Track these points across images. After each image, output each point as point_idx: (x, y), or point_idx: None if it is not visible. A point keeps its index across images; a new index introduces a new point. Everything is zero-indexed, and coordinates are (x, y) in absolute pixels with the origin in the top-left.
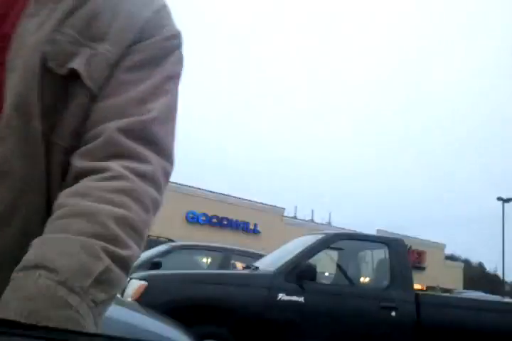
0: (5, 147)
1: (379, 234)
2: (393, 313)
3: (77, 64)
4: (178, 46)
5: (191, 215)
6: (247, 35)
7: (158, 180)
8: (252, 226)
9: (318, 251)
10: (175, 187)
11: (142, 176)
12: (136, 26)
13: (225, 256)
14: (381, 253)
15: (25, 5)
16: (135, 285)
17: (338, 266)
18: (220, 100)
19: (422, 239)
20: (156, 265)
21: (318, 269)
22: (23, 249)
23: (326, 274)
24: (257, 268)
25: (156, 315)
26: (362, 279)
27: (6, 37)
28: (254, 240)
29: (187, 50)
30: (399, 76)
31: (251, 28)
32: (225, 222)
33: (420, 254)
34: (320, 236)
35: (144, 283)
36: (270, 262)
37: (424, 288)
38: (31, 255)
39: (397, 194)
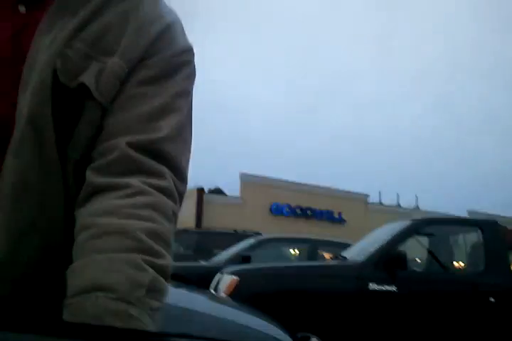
0: (22, 160)
1: (470, 216)
2: (491, 299)
3: (87, 78)
4: (189, 62)
5: (275, 207)
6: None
7: (175, 195)
8: (336, 215)
9: (408, 238)
10: (257, 179)
11: (161, 190)
12: (145, 41)
13: (313, 247)
14: (474, 237)
15: (40, 22)
16: (227, 281)
17: (430, 252)
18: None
19: None
20: (246, 259)
21: (409, 256)
22: (43, 262)
23: (418, 261)
24: (345, 258)
25: (252, 310)
26: (455, 265)
27: (23, 54)
28: (339, 229)
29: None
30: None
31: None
32: (309, 212)
33: None
34: (408, 222)
35: (235, 277)
36: (358, 251)
37: None
38: (80, 280)
39: (488, 171)
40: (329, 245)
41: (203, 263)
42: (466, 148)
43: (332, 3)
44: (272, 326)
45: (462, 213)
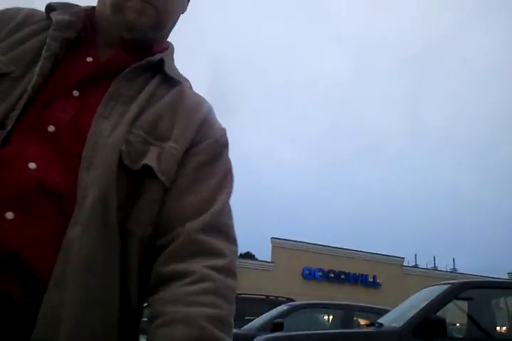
0: (90, 236)
1: (511, 278)
2: None
3: (149, 160)
4: (228, 142)
5: (308, 272)
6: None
7: (234, 269)
8: (371, 279)
9: (447, 303)
10: (289, 244)
11: (221, 270)
12: (194, 127)
13: (347, 313)
14: None
15: (97, 108)
16: None
17: (470, 318)
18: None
19: None
20: (279, 326)
21: (448, 321)
22: (102, 336)
23: (457, 326)
24: (381, 324)
25: None
26: (498, 329)
27: (84, 135)
28: (374, 293)
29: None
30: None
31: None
32: (343, 277)
33: None
34: (446, 287)
35: None
36: (395, 317)
37: None
38: None
39: None
40: (365, 311)
41: (235, 330)
42: (502, 207)
43: (363, 67)
44: None
45: (503, 275)
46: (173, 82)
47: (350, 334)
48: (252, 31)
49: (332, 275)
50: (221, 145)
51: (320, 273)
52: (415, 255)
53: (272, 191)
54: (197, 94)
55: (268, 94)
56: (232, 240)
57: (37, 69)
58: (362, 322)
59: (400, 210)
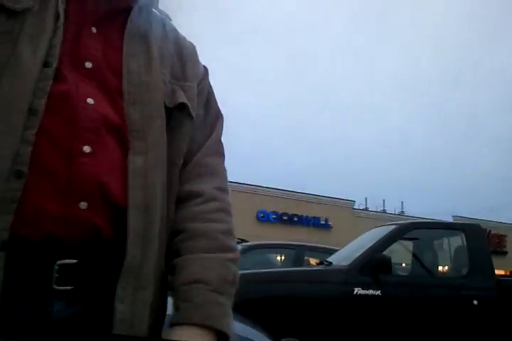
0: (151, 166)
1: (456, 221)
2: (475, 302)
3: (183, 98)
4: (207, 79)
5: (262, 214)
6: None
7: (227, 188)
8: (323, 221)
9: (392, 243)
10: (243, 187)
11: (222, 189)
12: (197, 69)
13: (298, 253)
14: (458, 241)
15: (122, 45)
16: None
17: (414, 256)
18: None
19: (503, 223)
20: None
21: (394, 261)
22: (159, 260)
23: (403, 265)
24: (330, 263)
25: (235, 315)
26: (440, 268)
27: (118, 71)
28: (326, 235)
29: None
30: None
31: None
32: (296, 219)
33: (501, 238)
34: (392, 227)
35: None
36: (343, 257)
37: (508, 273)
38: (185, 273)
39: (472, 177)
40: (315, 251)
41: None
42: (452, 154)
43: (318, 12)
44: (254, 331)
45: (447, 218)
46: (166, 21)
47: (299, 272)
48: None
49: (286, 217)
50: (209, 83)
51: (274, 216)
52: (365, 198)
53: (228, 136)
54: (181, 34)
55: (222, 38)
56: (224, 159)
57: (59, 3)
58: (312, 261)
59: (352, 156)
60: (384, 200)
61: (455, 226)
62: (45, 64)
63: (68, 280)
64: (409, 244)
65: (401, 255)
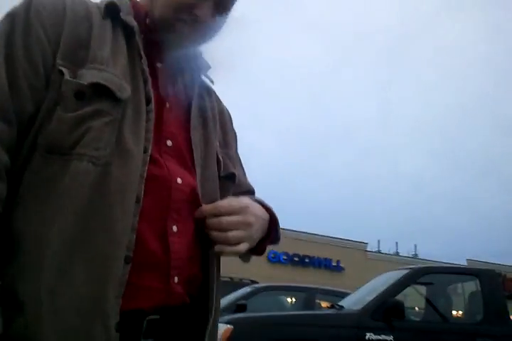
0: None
1: (469, 264)
2: None
3: (232, 168)
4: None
5: (273, 255)
6: None
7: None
8: (334, 263)
9: (405, 287)
10: None
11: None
12: (234, 132)
13: (309, 296)
14: (472, 286)
15: (187, 118)
16: (221, 330)
17: (428, 301)
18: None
19: None
20: (242, 307)
21: (406, 305)
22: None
23: (416, 310)
24: (342, 307)
25: None
26: (454, 314)
27: (188, 144)
28: (338, 277)
29: None
30: None
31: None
32: (307, 260)
33: None
34: (406, 272)
35: (230, 326)
36: (355, 300)
37: None
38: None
39: (487, 220)
40: (327, 294)
41: None
42: (466, 196)
43: (337, 57)
44: None
45: (461, 261)
46: (212, 88)
47: (310, 315)
48: None
49: (297, 259)
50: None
51: (285, 257)
52: (378, 241)
53: None
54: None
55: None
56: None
57: (149, 87)
58: (323, 304)
59: (366, 197)
60: (397, 243)
61: (469, 271)
62: (145, 150)
63: (151, 333)
64: (423, 288)
65: (414, 299)
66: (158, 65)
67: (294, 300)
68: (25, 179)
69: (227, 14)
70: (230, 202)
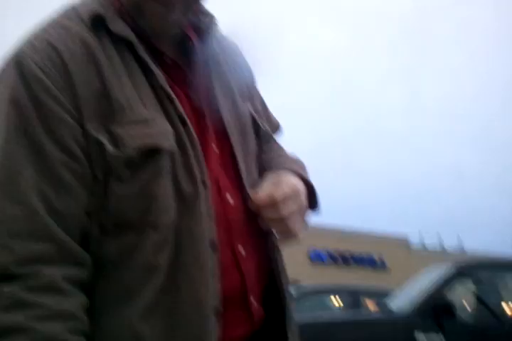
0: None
1: None
2: None
3: (265, 126)
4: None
5: (314, 254)
6: None
7: None
8: (377, 259)
9: (453, 284)
10: None
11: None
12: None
13: (354, 296)
14: None
15: (213, 86)
16: None
17: (478, 298)
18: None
19: None
20: None
21: (455, 302)
22: None
23: (465, 307)
24: (389, 307)
25: None
26: (506, 310)
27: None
28: (381, 274)
29: None
30: None
31: None
32: (349, 258)
33: None
34: (452, 267)
35: None
36: (403, 300)
37: None
38: (283, 165)
39: None
40: (371, 293)
41: None
42: (510, 182)
43: (360, 38)
44: None
45: (510, 250)
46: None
47: (358, 316)
48: None
49: (338, 256)
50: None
51: (326, 255)
52: (421, 234)
53: None
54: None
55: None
56: None
57: (177, 109)
58: (369, 304)
59: (406, 190)
60: (440, 235)
61: None
62: (204, 184)
63: None
64: (471, 284)
65: (463, 296)
66: (168, 60)
67: (339, 300)
68: (100, 259)
69: None
70: (283, 189)
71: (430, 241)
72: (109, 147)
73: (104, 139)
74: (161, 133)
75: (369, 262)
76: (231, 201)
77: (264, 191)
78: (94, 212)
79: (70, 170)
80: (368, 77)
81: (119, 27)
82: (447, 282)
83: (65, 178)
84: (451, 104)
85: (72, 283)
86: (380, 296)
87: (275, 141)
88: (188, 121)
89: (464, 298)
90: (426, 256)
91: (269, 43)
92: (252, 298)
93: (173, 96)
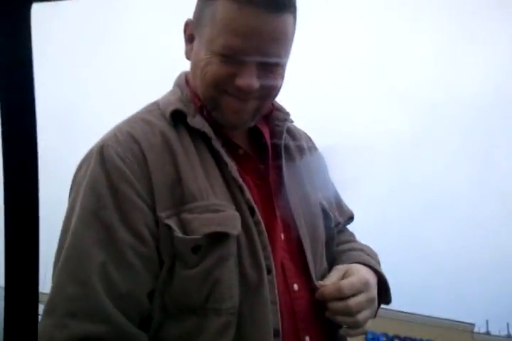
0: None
1: None
2: None
3: (339, 217)
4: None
5: (371, 336)
6: None
7: None
8: None
9: None
10: None
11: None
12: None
13: None
14: None
15: (283, 178)
16: None
17: None
18: None
19: None
20: None
21: None
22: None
23: None
24: None
25: None
26: None
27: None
28: None
29: None
30: None
31: None
32: None
33: None
34: None
35: None
36: None
37: None
38: (350, 246)
39: None
40: None
41: None
42: None
43: (428, 122)
44: None
45: None
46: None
47: None
48: None
49: (397, 340)
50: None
51: (384, 339)
52: (487, 321)
53: None
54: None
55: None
56: None
57: (245, 197)
58: None
59: (470, 273)
60: (508, 323)
61: None
62: (268, 270)
63: None
64: None
65: None
66: (240, 151)
67: None
68: None
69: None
70: (352, 281)
71: (497, 330)
72: (178, 232)
73: (173, 225)
74: (229, 219)
75: None
76: (296, 289)
77: (331, 282)
78: (157, 295)
79: (137, 254)
80: (437, 159)
81: (197, 120)
82: None
83: (132, 261)
84: None
85: None
86: None
87: (347, 230)
88: (256, 209)
89: None
90: None
91: (357, 162)
92: None
93: (245, 187)
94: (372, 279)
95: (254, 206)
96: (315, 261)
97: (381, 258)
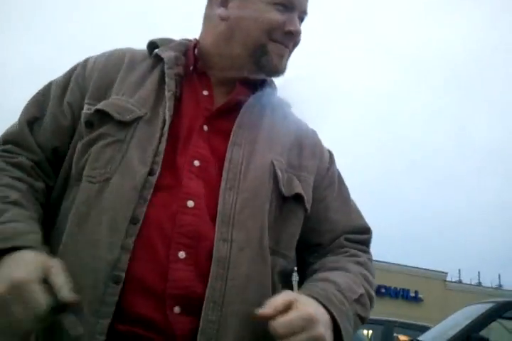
0: (247, 256)
1: None
2: None
3: (299, 189)
4: (335, 162)
5: None
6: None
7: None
8: (412, 294)
9: (490, 322)
10: None
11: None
12: (317, 159)
13: (387, 329)
14: None
15: (229, 137)
16: None
17: None
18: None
19: None
20: None
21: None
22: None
23: None
24: None
25: None
26: None
27: (221, 161)
28: (416, 308)
29: None
30: None
31: None
32: (383, 290)
33: None
34: (490, 305)
35: None
36: (436, 336)
37: None
38: (320, 274)
39: None
40: (405, 327)
41: None
42: None
43: (407, 79)
44: None
45: None
46: (284, 110)
47: None
48: None
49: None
50: (336, 169)
51: None
52: (459, 270)
53: None
54: (304, 122)
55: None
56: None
57: (166, 110)
58: (402, 338)
59: (444, 226)
60: (479, 272)
61: None
62: (150, 172)
63: None
64: (509, 323)
65: (500, 335)
66: (205, 92)
67: (370, 332)
68: (62, 204)
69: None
70: (290, 319)
71: (469, 279)
72: (85, 109)
73: (86, 106)
74: (125, 108)
75: (404, 295)
76: (191, 205)
77: (270, 308)
78: (66, 165)
79: (55, 121)
80: (416, 116)
81: (164, 52)
82: (484, 319)
83: (48, 122)
84: (500, 142)
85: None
86: (414, 331)
87: (348, 252)
88: (167, 122)
89: (501, 338)
90: (463, 292)
91: (322, 98)
92: (174, 305)
93: (168, 102)
94: (322, 316)
95: (168, 119)
96: (242, 211)
97: (363, 210)
